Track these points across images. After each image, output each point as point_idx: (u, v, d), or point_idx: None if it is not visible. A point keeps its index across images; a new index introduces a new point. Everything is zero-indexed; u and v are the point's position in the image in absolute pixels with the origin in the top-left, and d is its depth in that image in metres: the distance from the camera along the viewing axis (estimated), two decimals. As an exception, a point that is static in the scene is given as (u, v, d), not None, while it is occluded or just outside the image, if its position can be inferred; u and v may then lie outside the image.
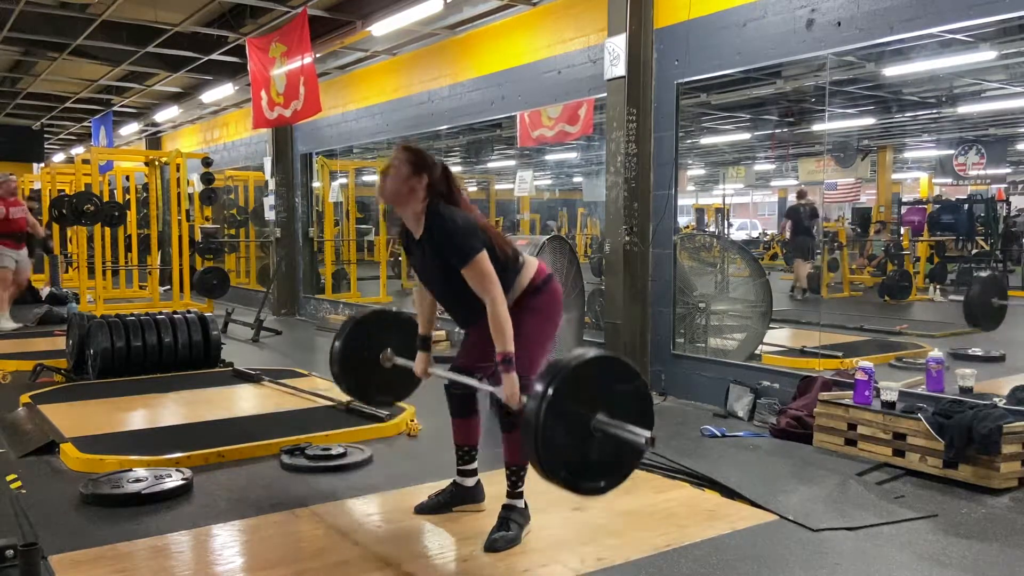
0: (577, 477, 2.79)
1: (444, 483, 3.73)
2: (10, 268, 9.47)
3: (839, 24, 5.13)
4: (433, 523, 3.58)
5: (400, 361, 3.74)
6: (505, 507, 3.37)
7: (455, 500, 3.67)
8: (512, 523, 3.32)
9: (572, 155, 12.79)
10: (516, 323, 3.13)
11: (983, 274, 12.33)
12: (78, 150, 19.17)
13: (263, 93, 9.20)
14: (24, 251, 9.77)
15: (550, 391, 2.68)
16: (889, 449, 4.34)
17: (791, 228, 12.68)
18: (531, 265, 3.33)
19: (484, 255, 3.09)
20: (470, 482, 3.66)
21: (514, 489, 3.36)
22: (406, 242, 3.38)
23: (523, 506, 3.40)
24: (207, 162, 11.15)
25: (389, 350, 3.76)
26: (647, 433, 2.71)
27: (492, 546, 3.24)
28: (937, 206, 13.84)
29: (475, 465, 3.65)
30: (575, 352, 2.87)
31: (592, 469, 2.81)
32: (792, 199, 13.64)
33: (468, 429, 3.58)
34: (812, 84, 8.10)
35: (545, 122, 7.42)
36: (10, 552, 2.83)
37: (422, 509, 3.67)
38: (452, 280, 3.18)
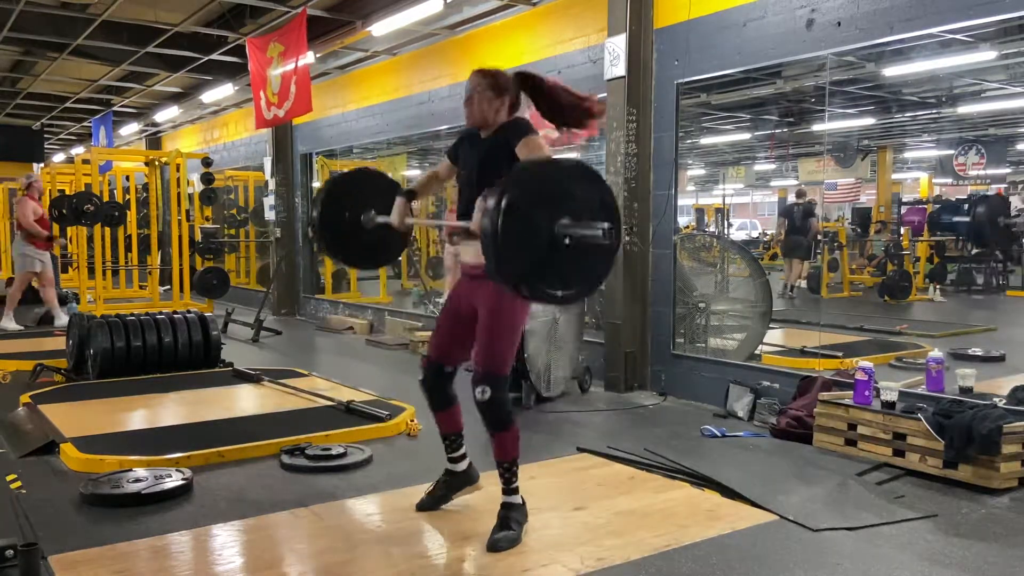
0: (544, 284, 2.88)
1: (440, 476, 3.74)
2: (35, 271, 9.52)
3: (839, 24, 5.13)
4: (433, 523, 3.58)
5: (380, 219, 3.69)
6: (504, 506, 3.38)
7: (452, 488, 3.69)
8: (513, 522, 3.33)
9: (572, 155, 12.77)
10: (493, 307, 3.26)
11: (988, 194, 12.47)
12: (78, 150, 19.17)
13: (262, 94, 9.21)
14: (48, 253, 9.84)
15: (504, 199, 2.74)
16: (889, 449, 4.34)
17: (786, 227, 12.75)
18: None
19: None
20: (461, 466, 3.69)
21: (508, 485, 3.37)
22: (457, 150, 3.56)
23: (521, 502, 3.41)
24: (207, 162, 11.15)
25: (372, 211, 3.71)
26: (604, 224, 2.79)
27: (495, 546, 3.24)
28: (937, 206, 13.83)
29: (463, 450, 3.68)
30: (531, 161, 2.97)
31: (561, 276, 2.90)
32: (791, 199, 13.65)
33: (450, 418, 3.61)
34: (812, 84, 8.11)
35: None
36: (10, 552, 2.83)
37: (423, 506, 3.69)
38: (486, 172, 3.28)
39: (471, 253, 3.36)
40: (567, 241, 2.85)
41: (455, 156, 3.58)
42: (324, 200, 3.81)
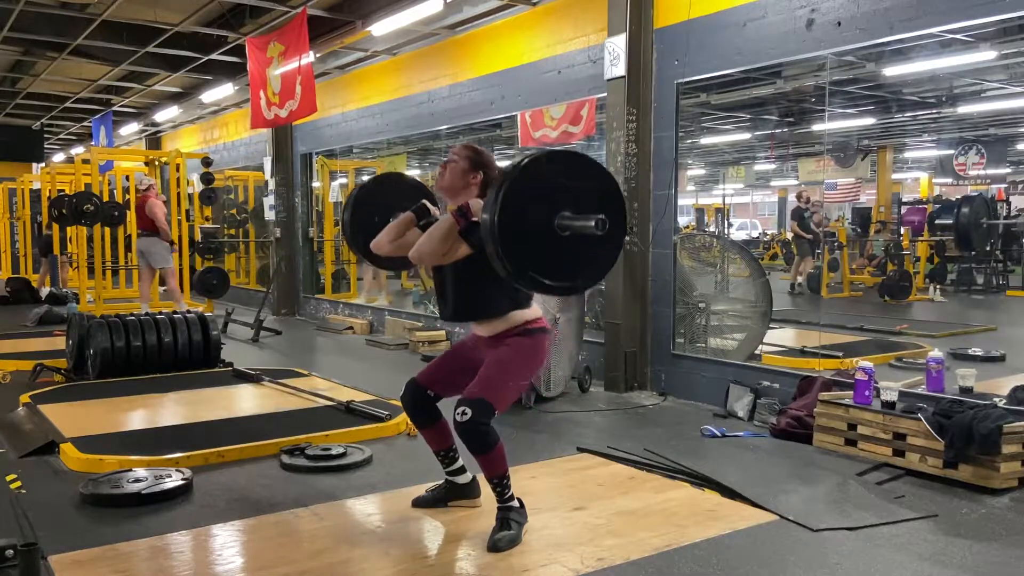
0: (544, 276, 2.94)
1: (442, 480, 3.75)
2: (170, 266, 9.89)
3: (839, 24, 5.13)
4: (433, 523, 3.59)
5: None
6: (502, 508, 3.38)
7: (450, 496, 3.71)
8: (512, 522, 3.33)
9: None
10: (503, 356, 3.28)
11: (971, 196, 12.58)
12: (78, 150, 19.17)
13: (261, 93, 9.20)
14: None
15: (502, 194, 2.80)
16: (889, 449, 4.34)
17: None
18: (536, 310, 3.41)
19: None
20: (463, 479, 3.70)
21: (502, 498, 3.37)
22: (423, 214, 3.49)
23: (518, 505, 3.41)
24: (207, 162, 11.16)
25: (399, 214, 3.66)
26: (599, 215, 2.84)
27: (495, 546, 3.24)
28: (937, 206, 13.84)
29: (460, 463, 3.68)
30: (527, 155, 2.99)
31: (563, 267, 2.97)
32: (792, 200, 13.78)
33: (437, 434, 3.61)
34: (812, 84, 8.11)
35: (548, 122, 7.40)
36: (10, 552, 2.83)
37: (419, 502, 3.72)
38: (459, 267, 3.29)
39: (480, 328, 3.40)
40: (566, 233, 2.89)
41: (422, 216, 3.52)
42: (354, 205, 3.86)
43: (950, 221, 12.54)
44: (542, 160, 2.98)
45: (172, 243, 9.94)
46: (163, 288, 10.66)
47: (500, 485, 3.34)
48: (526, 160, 2.94)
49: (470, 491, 3.70)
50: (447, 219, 3.21)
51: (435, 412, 3.59)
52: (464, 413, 3.18)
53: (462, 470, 3.69)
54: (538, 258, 2.92)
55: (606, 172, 3.14)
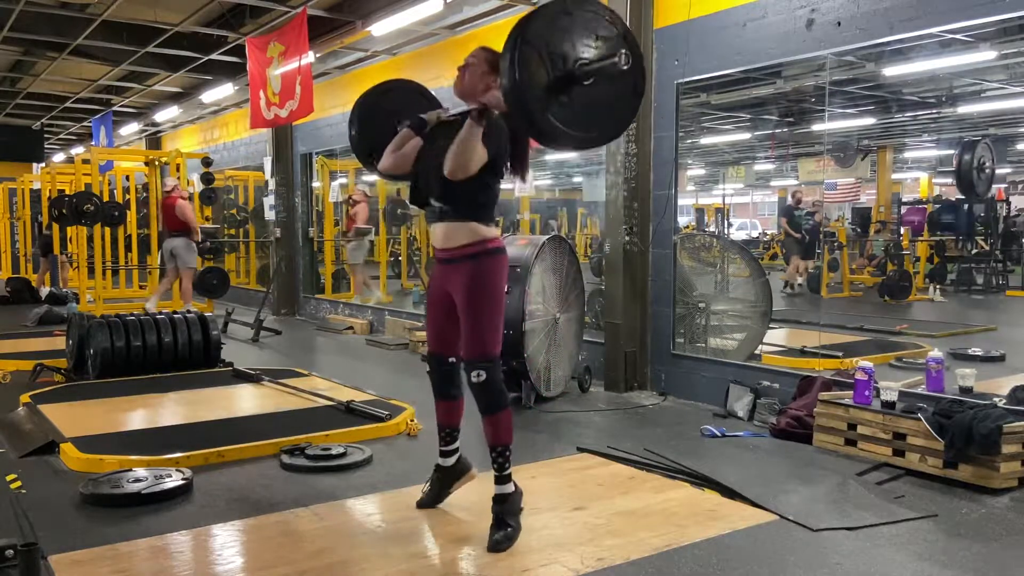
0: (574, 127, 2.96)
1: (432, 474, 3.75)
2: (194, 267, 10.05)
3: (839, 24, 5.13)
4: (433, 523, 3.58)
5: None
6: (497, 499, 3.36)
7: (446, 483, 3.71)
8: (508, 516, 3.33)
9: (572, 155, 12.78)
10: (472, 297, 3.30)
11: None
12: (78, 150, 19.17)
13: (261, 93, 9.20)
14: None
15: (522, 36, 2.81)
16: (889, 449, 4.34)
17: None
18: (494, 230, 3.42)
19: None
20: (450, 461, 3.70)
21: (501, 472, 3.37)
22: (421, 126, 3.46)
23: (513, 489, 3.39)
24: (207, 162, 11.15)
25: (407, 121, 3.61)
26: (622, 49, 2.87)
27: (496, 547, 3.24)
28: (937, 206, 13.84)
29: (456, 444, 3.69)
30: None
31: (582, 117, 2.99)
32: (790, 199, 13.81)
33: (451, 410, 3.63)
34: (812, 84, 8.11)
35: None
36: (10, 552, 2.83)
37: (423, 504, 3.72)
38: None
39: (438, 236, 3.39)
40: (587, 81, 2.91)
41: (424, 133, 3.47)
42: (360, 120, 3.82)
43: (952, 219, 12.56)
44: (554, 9, 2.96)
45: (198, 242, 10.11)
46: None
47: (501, 456, 3.35)
48: (534, 15, 2.92)
49: (460, 469, 3.72)
50: (469, 126, 3.11)
51: (458, 389, 3.61)
52: (479, 375, 3.27)
53: (454, 452, 3.70)
54: (563, 109, 2.91)
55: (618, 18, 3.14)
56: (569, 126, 2.96)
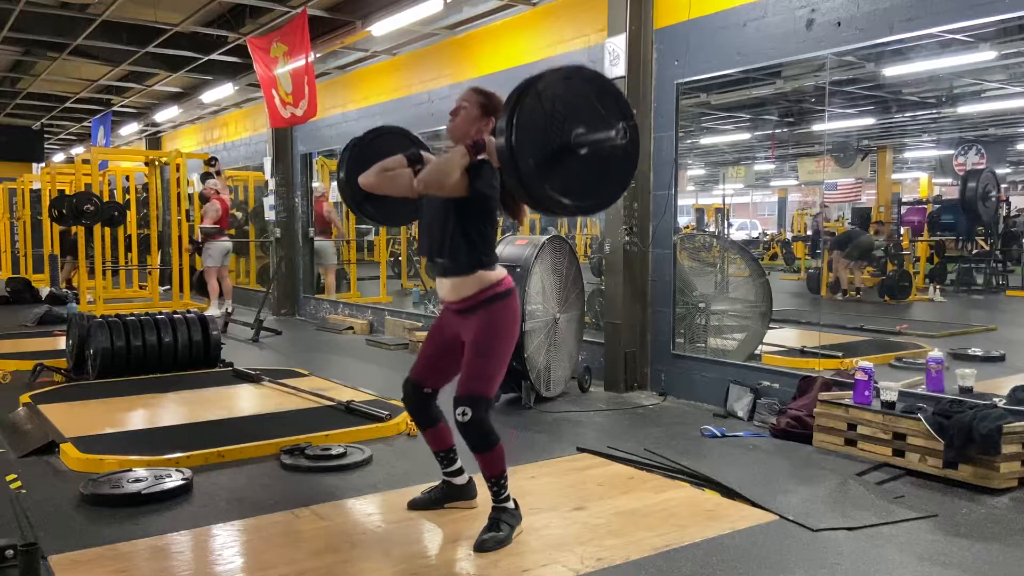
0: (563, 195, 2.97)
1: (439, 482, 3.75)
2: (215, 266, 10.32)
3: (839, 24, 5.13)
4: (433, 524, 3.59)
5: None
6: (495, 508, 3.38)
7: (446, 497, 3.71)
8: (503, 524, 3.33)
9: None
10: (480, 338, 3.27)
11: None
12: (78, 150, 19.17)
13: (274, 92, 9.20)
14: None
15: (516, 116, 2.81)
16: (889, 449, 4.34)
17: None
18: (501, 271, 3.38)
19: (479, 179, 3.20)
20: (459, 480, 3.70)
21: (498, 498, 3.37)
22: (416, 160, 3.43)
23: (513, 507, 3.41)
24: (211, 162, 11.14)
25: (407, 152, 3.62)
26: (619, 124, 2.88)
27: (482, 547, 3.24)
28: (937, 206, 13.85)
29: (458, 465, 3.67)
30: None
31: (581, 185, 3.00)
32: (792, 200, 13.77)
33: (437, 435, 3.61)
34: (812, 84, 8.11)
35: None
36: (10, 552, 2.83)
37: (415, 504, 3.71)
38: (448, 212, 3.25)
39: (446, 289, 3.36)
40: (583, 151, 2.91)
41: (414, 163, 3.41)
42: (349, 161, 3.82)
43: (952, 220, 12.55)
44: (552, 77, 2.97)
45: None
46: (166, 287, 10.68)
47: (497, 485, 3.35)
48: (535, 79, 2.92)
49: (467, 492, 3.71)
50: (459, 150, 3.14)
51: (436, 413, 3.59)
52: (464, 413, 3.20)
53: (460, 471, 3.69)
54: (557, 178, 2.91)
55: (600, 75, 3.15)
56: (565, 195, 2.96)
